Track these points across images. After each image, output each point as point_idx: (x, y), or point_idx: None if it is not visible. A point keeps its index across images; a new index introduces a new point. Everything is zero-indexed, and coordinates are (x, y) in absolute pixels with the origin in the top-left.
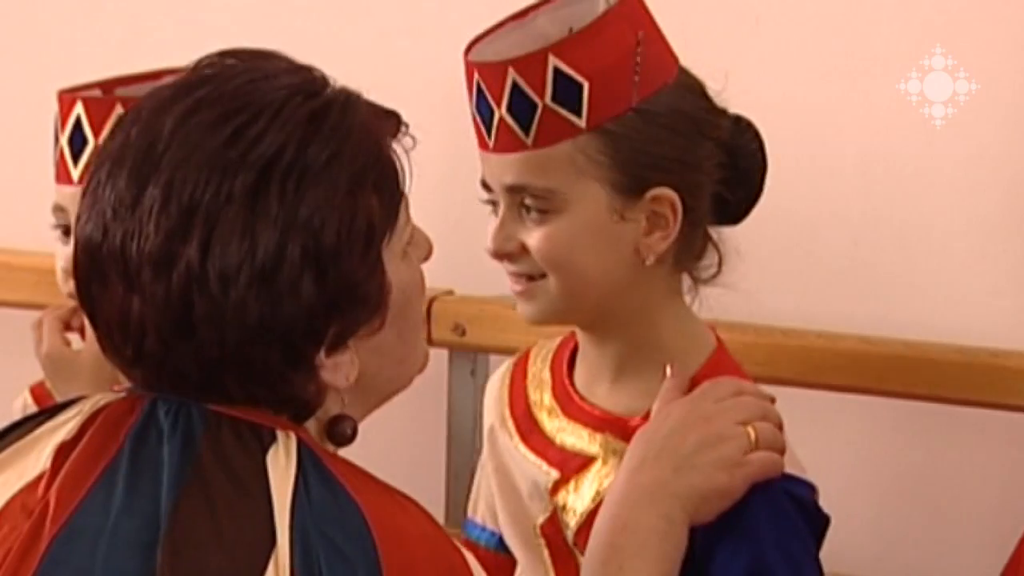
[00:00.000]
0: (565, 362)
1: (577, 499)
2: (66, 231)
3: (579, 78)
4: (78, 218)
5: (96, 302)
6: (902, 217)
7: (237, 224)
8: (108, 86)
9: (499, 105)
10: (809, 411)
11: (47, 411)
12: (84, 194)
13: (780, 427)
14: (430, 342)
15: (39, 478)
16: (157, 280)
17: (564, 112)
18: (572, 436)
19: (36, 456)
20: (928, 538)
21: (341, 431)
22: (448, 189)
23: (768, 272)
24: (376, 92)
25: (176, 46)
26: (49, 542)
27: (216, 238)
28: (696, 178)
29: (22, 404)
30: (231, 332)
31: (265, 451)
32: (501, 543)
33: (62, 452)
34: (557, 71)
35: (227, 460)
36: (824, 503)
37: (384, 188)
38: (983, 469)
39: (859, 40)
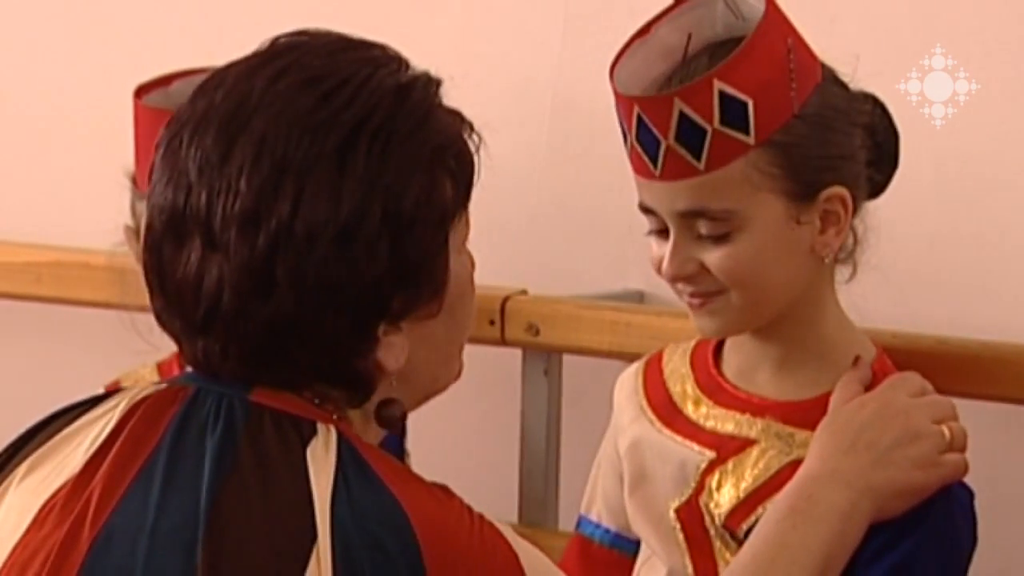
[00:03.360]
0: (710, 354)
1: (734, 479)
2: None
3: (743, 97)
4: (153, 182)
5: (168, 265)
6: (978, 218)
7: (325, 183)
8: (167, 80)
9: (666, 135)
10: None
11: (86, 403)
12: (162, 157)
13: None
14: (503, 342)
15: (78, 475)
16: (243, 237)
17: (733, 133)
18: (725, 422)
19: (75, 451)
20: (1004, 539)
21: (390, 414)
22: (522, 189)
23: (843, 273)
24: (451, 90)
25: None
26: (89, 545)
27: (306, 196)
28: (855, 169)
29: None
30: (309, 293)
31: (305, 444)
32: (617, 539)
33: (103, 448)
34: (723, 94)
35: (267, 454)
36: None
37: (459, 172)
38: None
39: (859, 40)
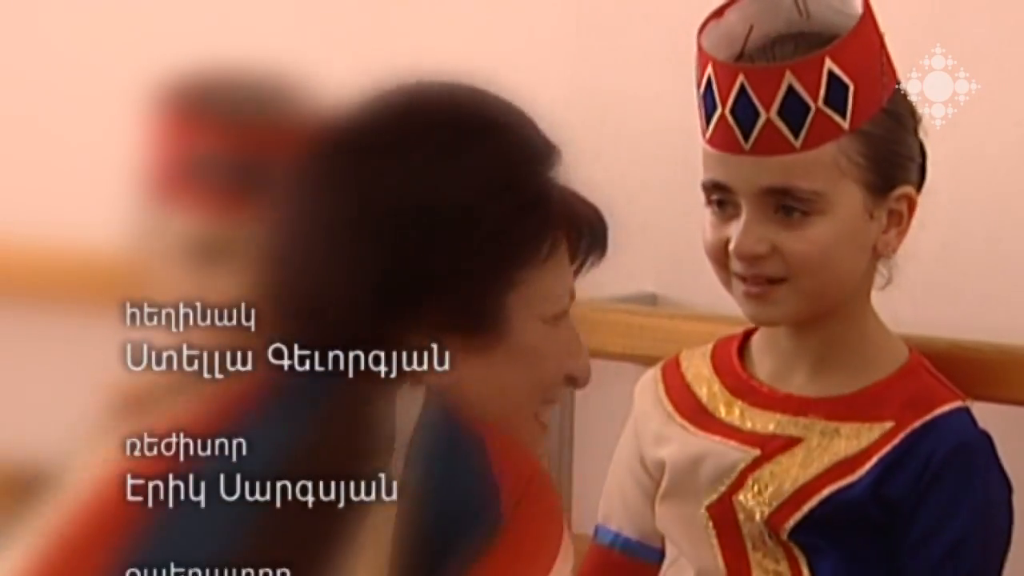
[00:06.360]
0: (735, 356)
1: (779, 477)
2: None
3: (847, 80)
4: None
5: None
6: (979, 218)
7: None
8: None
9: (768, 108)
10: None
11: None
12: None
13: None
14: None
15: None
16: None
17: (833, 114)
18: (766, 422)
19: None
20: (1020, 539)
21: None
22: None
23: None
24: None
25: None
26: None
27: None
28: (916, 175)
29: None
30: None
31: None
32: (638, 547)
33: None
34: (831, 74)
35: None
36: None
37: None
38: None
39: None
